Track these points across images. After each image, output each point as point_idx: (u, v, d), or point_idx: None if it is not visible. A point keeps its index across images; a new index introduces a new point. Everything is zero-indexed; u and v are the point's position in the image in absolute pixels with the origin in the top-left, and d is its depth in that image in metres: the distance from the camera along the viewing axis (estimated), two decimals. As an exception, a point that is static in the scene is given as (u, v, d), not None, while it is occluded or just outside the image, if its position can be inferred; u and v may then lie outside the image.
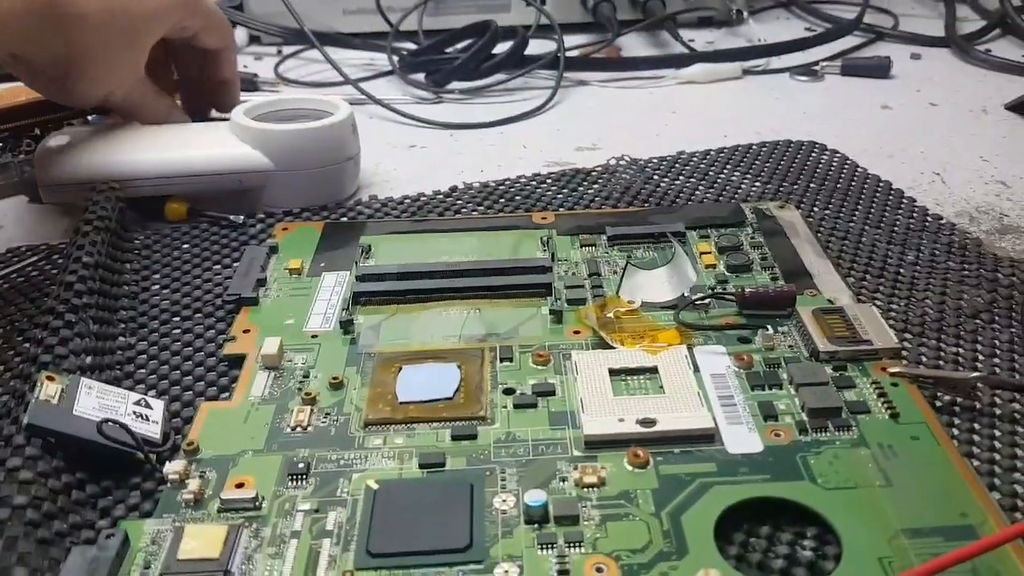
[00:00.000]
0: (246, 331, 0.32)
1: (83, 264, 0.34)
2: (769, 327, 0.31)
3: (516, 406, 0.28)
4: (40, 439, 0.26)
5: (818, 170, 0.46)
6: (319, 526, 0.24)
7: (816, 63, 0.62)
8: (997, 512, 0.24)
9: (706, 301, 0.33)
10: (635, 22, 0.69)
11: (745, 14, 0.71)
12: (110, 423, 0.26)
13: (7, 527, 0.23)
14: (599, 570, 0.22)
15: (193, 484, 0.25)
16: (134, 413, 0.28)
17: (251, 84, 0.59)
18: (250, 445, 0.27)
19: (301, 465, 0.26)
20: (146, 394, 0.29)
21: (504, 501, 0.25)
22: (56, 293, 0.32)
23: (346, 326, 0.32)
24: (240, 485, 0.25)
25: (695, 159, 0.47)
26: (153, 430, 0.28)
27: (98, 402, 0.28)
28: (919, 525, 0.23)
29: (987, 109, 0.55)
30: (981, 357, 0.31)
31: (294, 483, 0.26)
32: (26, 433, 0.26)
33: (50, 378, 0.27)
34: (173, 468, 0.26)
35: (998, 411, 0.28)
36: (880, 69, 0.61)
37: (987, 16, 0.72)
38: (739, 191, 0.44)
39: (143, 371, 0.31)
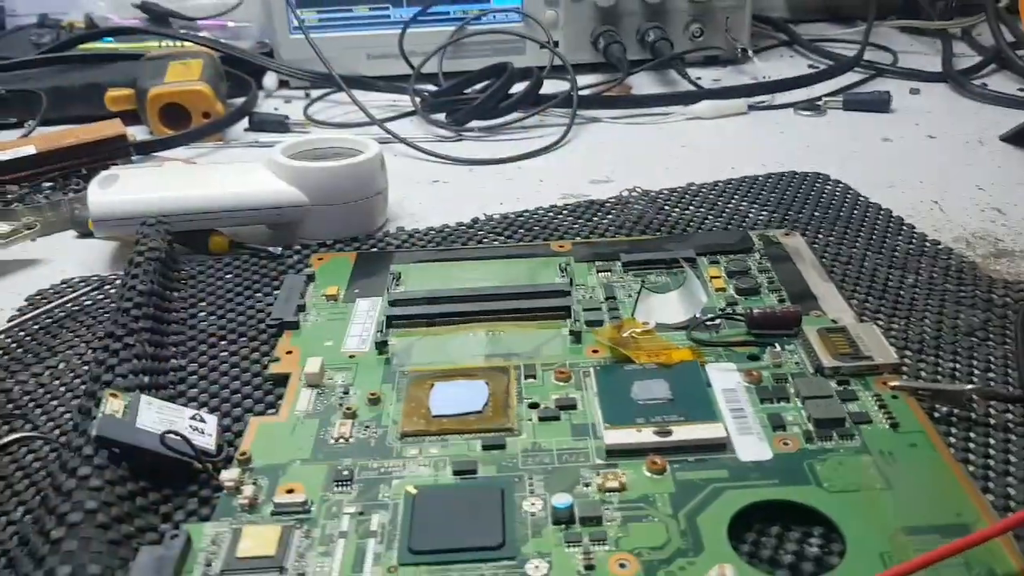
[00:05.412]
0: (289, 352, 0.35)
1: (138, 291, 0.36)
2: (777, 345, 0.34)
3: (541, 419, 0.30)
4: (107, 450, 0.28)
5: (822, 199, 0.48)
6: (364, 527, 0.26)
7: (819, 98, 0.65)
8: (989, 511, 0.26)
9: (717, 321, 0.35)
10: (644, 61, 0.71)
11: (750, 52, 0.74)
12: (172, 435, 0.29)
13: (81, 529, 0.25)
14: (622, 565, 0.25)
15: (247, 490, 0.28)
16: (190, 427, 0.30)
17: (282, 126, 0.62)
18: (298, 455, 0.29)
19: (345, 473, 0.28)
20: (199, 410, 0.32)
21: (533, 504, 0.27)
22: (115, 318, 0.35)
23: (381, 347, 0.35)
24: (290, 491, 0.28)
25: (704, 190, 0.50)
26: (208, 442, 0.30)
27: (158, 416, 0.30)
28: (917, 523, 0.25)
29: (983, 140, 0.58)
30: (976, 372, 0.33)
31: (340, 489, 0.28)
32: (95, 444, 0.28)
33: (114, 395, 0.30)
34: (229, 476, 0.28)
35: (992, 421, 0.31)
36: (880, 103, 0.64)
37: (983, 52, 0.75)
38: (746, 219, 0.46)
39: (194, 390, 0.34)
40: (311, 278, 0.40)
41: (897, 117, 0.63)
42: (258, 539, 0.26)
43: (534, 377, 0.33)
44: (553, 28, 0.71)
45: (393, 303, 0.37)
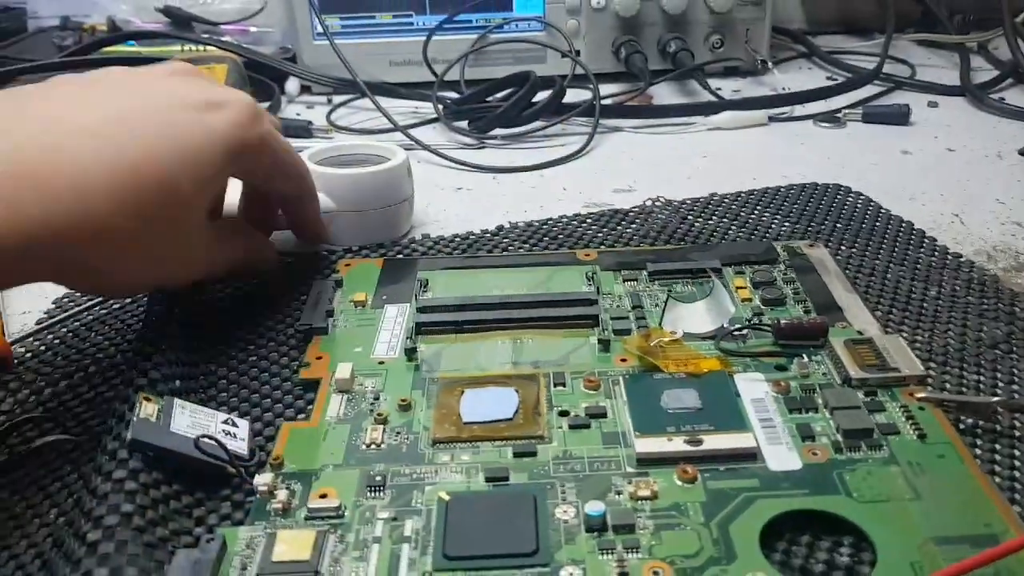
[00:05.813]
0: (319, 358, 0.35)
1: (168, 295, 0.37)
2: (804, 356, 0.34)
3: (571, 427, 0.31)
4: (141, 453, 0.28)
5: (844, 211, 0.48)
6: (398, 533, 0.27)
7: (838, 111, 0.65)
8: (1017, 522, 0.26)
9: (744, 332, 0.35)
10: (665, 72, 0.72)
11: (769, 64, 0.74)
12: (206, 439, 0.29)
13: (117, 531, 0.26)
14: (656, 573, 0.25)
15: (281, 495, 0.28)
16: (223, 431, 0.31)
17: (305, 131, 0.62)
18: (330, 460, 0.30)
19: (378, 478, 0.28)
20: (231, 415, 0.32)
21: (565, 512, 0.27)
22: (147, 322, 0.35)
23: (410, 353, 0.35)
24: (324, 496, 0.28)
25: (727, 200, 0.50)
26: (241, 446, 0.30)
27: (191, 420, 0.30)
28: (946, 534, 0.26)
29: (1001, 154, 0.58)
30: (1000, 384, 0.33)
31: (372, 494, 0.28)
32: (130, 448, 0.28)
33: (147, 399, 0.30)
34: (263, 480, 0.28)
35: (1017, 432, 0.31)
36: (899, 116, 0.64)
37: (1000, 66, 0.75)
38: (770, 230, 0.46)
39: (225, 394, 0.34)
40: (339, 284, 0.40)
41: (916, 130, 0.63)
42: (293, 544, 0.26)
43: (563, 385, 0.33)
44: (575, 37, 0.72)
45: (421, 310, 0.38)
